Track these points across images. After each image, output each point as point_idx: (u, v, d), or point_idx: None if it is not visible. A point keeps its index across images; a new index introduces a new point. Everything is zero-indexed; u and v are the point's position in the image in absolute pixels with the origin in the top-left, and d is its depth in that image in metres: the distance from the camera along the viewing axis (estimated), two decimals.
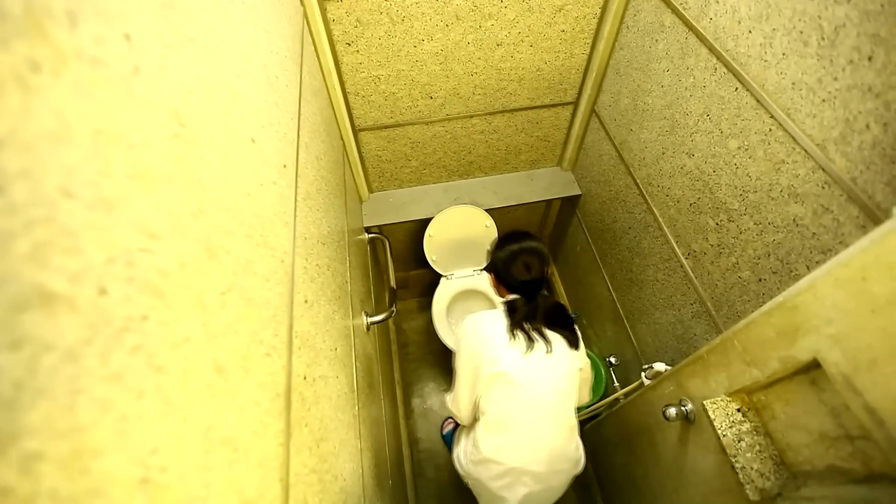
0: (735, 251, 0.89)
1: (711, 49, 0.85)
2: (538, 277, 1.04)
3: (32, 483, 0.18)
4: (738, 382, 0.70)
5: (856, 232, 0.64)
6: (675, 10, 0.94)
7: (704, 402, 0.73)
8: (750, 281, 0.86)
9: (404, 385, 1.90)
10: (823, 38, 0.63)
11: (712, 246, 0.96)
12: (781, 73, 0.71)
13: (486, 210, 1.61)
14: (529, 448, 1.01)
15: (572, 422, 1.05)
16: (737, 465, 0.68)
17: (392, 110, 1.31)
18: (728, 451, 0.69)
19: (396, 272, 1.66)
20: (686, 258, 1.06)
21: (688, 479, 0.90)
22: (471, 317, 1.08)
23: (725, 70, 0.83)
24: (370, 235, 1.55)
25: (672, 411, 0.83)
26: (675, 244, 1.09)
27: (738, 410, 0.72)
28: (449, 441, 1.72)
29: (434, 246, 1.67)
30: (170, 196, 0.29)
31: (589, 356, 1.71)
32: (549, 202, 1.85)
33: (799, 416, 0.64)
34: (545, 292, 1.07)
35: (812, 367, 0.57)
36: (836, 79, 0.62)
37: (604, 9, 1.15)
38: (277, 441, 0.40)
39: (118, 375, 0.22)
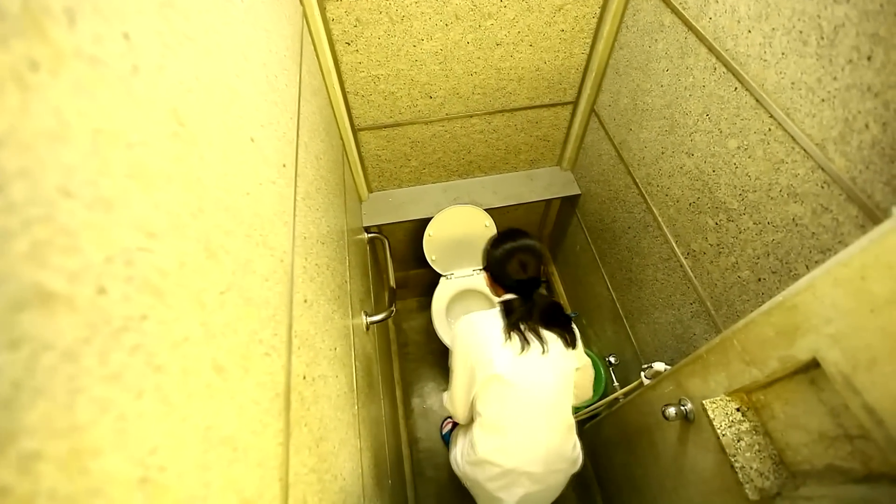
0: (734, 251, 0.89)
1: (711, 48, 0.85)
2: (534, 276, 1.03)
3: (31, 483, 0.18)
4: (738, 382, 0.70)
5: (855, 231, 0.64)
6: (674, 10, 0.94)
7: (704, 402, 0.73)
8: (749, 280, 0.86)
9: (404, 385, 1.90)
10: (823, 38, 0.63)
11: (712, 245, 0.96)
12: (781, 72, 0.71)
13: (485, 210, 1.61)
14: (526, 449, 1.00)
15: (569, 421, 1.05)
16: (736, 464, 0.68)
17: (391, 110, 1.31)
18: (727, 450, 0.69)
19: (396, 272, 1.66)
20: (685, 258, 1.06)
21: (687, 479, 0.90)
22: (465, 317, 1.07)
23: (725, 70, 0.83)
24: (370, 235, 1.55)
25: (671, 411, 0.83)
26: (674, 244, 1.09)
27: (738, 410, 0.72)
28: (448, 441, 1.72)
29: (434, 245, 1.67)
30: (169, 195, 0.29)
31: (589, 355, 1.71)
32: (548, 202, 1.85)
33: (798, 416, 0.64)
34: (543, 291, 1.07)
35: (811, 367, 0.57)
36: (835, 78, 0.62)
37: (603, 8, 1.15)
38: (277, 440, 0.40)
39: (117, 375, 0.22)
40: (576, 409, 1.53)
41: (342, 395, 0.69)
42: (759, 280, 0.84)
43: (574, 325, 1.07)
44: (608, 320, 1.59)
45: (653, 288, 1.23)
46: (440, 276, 1.78)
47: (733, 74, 0.81)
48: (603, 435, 1.48)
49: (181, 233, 0.30)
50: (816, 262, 0.71)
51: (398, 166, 1.54)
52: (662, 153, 1.08)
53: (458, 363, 1.05)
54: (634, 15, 1.09)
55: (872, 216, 0.60)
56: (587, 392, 1.17)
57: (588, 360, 1.14)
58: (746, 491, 0.66)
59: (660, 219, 1.14)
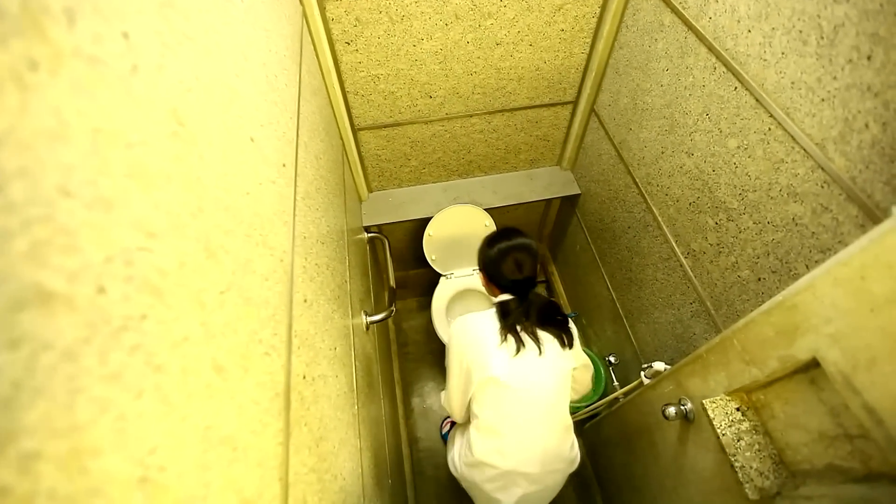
0: (734, 250, 0.89)
1: (711, 48, 0.85)
2: (530, 276, 1.02)
3: (31, 482, 0.18)
4: (738, 381, 0.70)
5: (855, 231, 0.64)
6: (674, 10, 0.94)
7: (704, 402, 0.73)
8: (749, 280, 0.86)
9: (404, 384, 1.90)
10: (823, 38, 0.63)
11: (711, 245, 0.96)
12: (781, 72, 0.71)
13: (485, 209, 1.61)
14: (522, 450, 1.00)
15: (566, 421, 1.04)
16: (736, 464, 0.68)
17: (391, 109, 1.31)
18: (727, 450, 0.69)
19: (396, 271, 1.66)
20: (685, 257, 1.06)
21: (687, 478, 0.90)
22: (460, 318, 1.06)
23: (725, 69, 0.83)
24: (369, 235, 1.55)
25: (671, 410, 0.83)
26: (674, 243, 1.09)
27: (738, 409, 0.72)
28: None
29: (433, 245, 1.67)
30: (168, 195, 0.29)
31: (588, 355, 1.71)
32: (548, 201, 1.85)
33: (798, 416, 0.64)
34: (543, 292, 1.06)
35: (811, 367, 0.57)
36: (835, 78, 0.62)
37: (603, 8, 1.15)
38: (277, 440, 0.40)
39: (117, 375, 0.22)
40: (575, 409, 1.54)
41: (342, 394, 0.69)
42: (759, 280, 0.84)
43: (572, 325, 1.07)
44: (608, 320, 1.59)
45: (653, 287, 1.23)
46: (440, 275, 1.78)
47: (733, 74, 0.81)
48: (603, 434, 1.48)
49: (181, 232, 0.30)
50: (816, 261, 0.71)
51: (398, 166, 1.54)
52: (662, 153, 1.08)
53: (453, 365, 1.04)
54: (634, 14, 1.09)
55: (872, 216, 0.60)
56: (586, 387, 1.17)
57: (587, 359, 1.14)
58: (746, 490, 0.66)
59: (660, 218, 1.14)
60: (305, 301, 0.57)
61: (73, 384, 0.20)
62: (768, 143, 0.76)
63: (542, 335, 1.00)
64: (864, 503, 0.54)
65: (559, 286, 2.07)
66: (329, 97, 1.16)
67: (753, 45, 0.75)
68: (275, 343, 0.43)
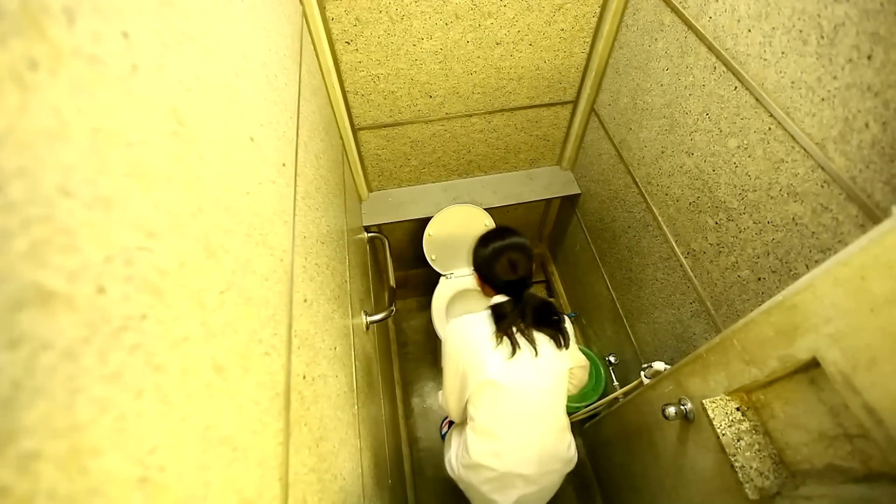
0: (734, 250, 0.89)
1: (711, 48, 0.85)
2: (524, 276, 1.01)
3: (31, 482, 0.18)
4: (738, 381, 0.70)
5: (855, 231, 0.64)
6: (674, 9, 0.94)
7: (704, 402, 0.73)
8: (749, 280, 0.86)
9: (404, 384, 1.90)
10: (823, 37, 0.63)
11: (711, 245, 0.96)
12: (781, 71, 0.71)
13: (485, 209, 1.61)
14: (519, 452, 1.00)
15: (563, 422, 1.04)
16: (736, 463, 0.68)
17: (391, 109, 1.31)
18: (727, 449, 0.69)
19: (396, 271, 1.66)
20: (685, 257, 1.06)
21: (687, 478, 0.90)
22: (455, 321, 1.05)
23: (725, 69, 0.83)
24: (369, 235, 1.55)
25: (671, 410, 0.83)
26: (674, 243, 1.09)
27: (738, 409, 0.72)
28: None
29: (433, 245, 1.67)
30: (168, 195, 0.29)
31: (588, 354, 1.71)
32: (548, 201, 1.85)
33: (798, 415, 0.64)
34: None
35: (811, 366, 0.57)
36: (835, 77, 0.62)
37: (603, 7, 1.15)
38: (276, 440, 0.40)
39: (117, 374, 0.22)
40: (575, 409, 1.54)
41: (342, 394, 0.69)
42: (759, 279, 0.84)
43: (568, 324, 1.06)
44: (608, 320, 1.59)
45: (653, 287, 1.23)
46: (440, 275, 1.78)
47: (733, 74, 0.81)
48: (603, 434, 1.48)
49: (181, 232, 0.30)
50: (816, 261, 0.71)
51: (398, 166, 1.54)
52: (662, 152, 1.08)
53: (448, 367, 1.03)
54: (634, 14, 1.09)
55: (872, 215, 0.60)
56: (583, 383, 1.16)
57: (584, 358, 1.13)
58: (746, 490, 0.66)
59: (660, 218, 1.14)
60: (305, 301, 0.57)
61: (72, 384, 0.20)
62: (768, 142, 0.76)
63: (538, 336, 0.99)
64: (864, 503, 0.54)
65: (559, 286, 2.07)
66: (329, 97, 1.16)
67: (753, 44, 0.75)
68: (275, 343, 0.43)
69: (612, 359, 1.54)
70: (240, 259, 0.39)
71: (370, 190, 1.62)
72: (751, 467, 0.67)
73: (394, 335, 2.04)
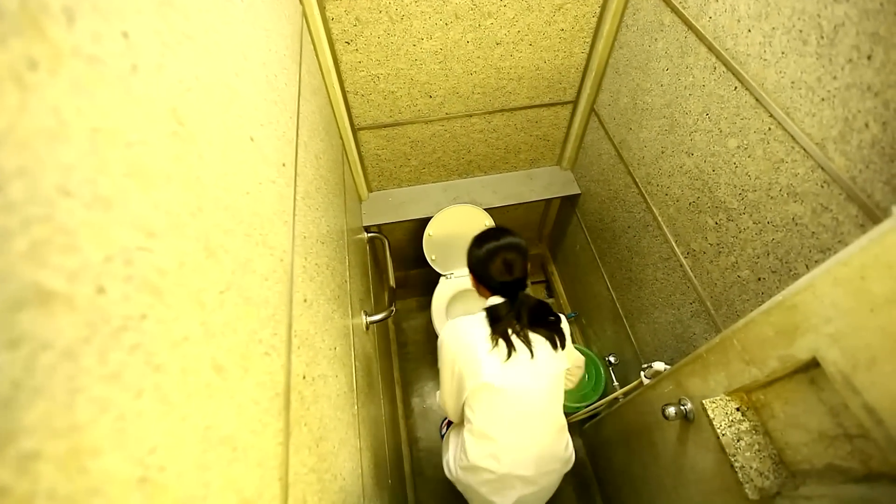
0: (734, 250, 0.89)
1: (711, 48, 0.85)
2: (520, 278, 1.00)
3: (30, 482, 0.18)
4: (738, 381, 0.70)
5: (855, 231, 0.64)
6: (674, 9, 0.94)
7: (703, 402, 0.73)
8: (749, 280, 0.86)
9: (403, 384, 1.90)
10: (823, 37, 0.63)
11: (711, 245, 0.96)
12: (781, 71, 0.71)
13: (485, 209, 1.61)
14: (517, 454, 1.00)
15: (560, 422, 1.04)
16: (736, 464, 0.68)
17: (391, 109, 1.31)
18: (727, 450, 0.69)
19: (396, 271, 1.66)
20: (685, 257, 1.06)
21: (687, 478, 0.90)
22: (450, 323, 1.04)
23: (725, 69, 0.83)
24: (369, 235, 1.55)
25: (671, 410, 0.83)
26: (674, 243, 1.09)
27: (738, 409, 0.72)
28: None
29: (433, 245, 1.67)
30: (168, 194, 0.29)
31: (586, 354, 1.71)
32: (548, 201, 1.85)
33: (798, 415, 0.64)
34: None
35: (811, 366, 0.57)
36: (835, 78, 0.62)
37: (603, 7, 1.15)
38: (276, 440, 0.40)
39: (116, 374, 0.22)
40: (575, 409, 1.54)
41: (342, 394, 0.69)
42: (759, 279, 0.84)
43: (565, 324, 1.06)
44: (608, 320, 1.59)
45: (652, 287, 1.23)
46: (440, 275, 1.78)
47: (733, 74, 0.81)
48: (603, 434, 1.48)
49: (180, 232, 0.30)
50: (816, 261, 0.71)
51: (398, 166, 1.54)
52: (662, 152, 1.08)
53: (445, 370, 1.03)
54: (634, 14, 1.09)
55: (872, 215, 0.60)
56: (579, 379, 1.16)
57: (579, 357, 1.13)
58: (746, 490, 0.66)
59: (659, 218, 1.14)
60: (305, 301, 0.57)
61: (72, 384, 0.20)
62: (768, 142, 0.76)
63: (534, 337, 0.99)
64: (864, 503, 0.54)
65: (559, 286, 2.07)
66: (329, 97, 1.16)
67: (753, 44, 0.75)
68: (275, 343, 0.43)
69: (612, 359, 1.54)
70: (240, 259, 0.38)
71: (370, 190, 1.62)
72: (751, 467, 0.67)
73: (394, 335, 2.04)
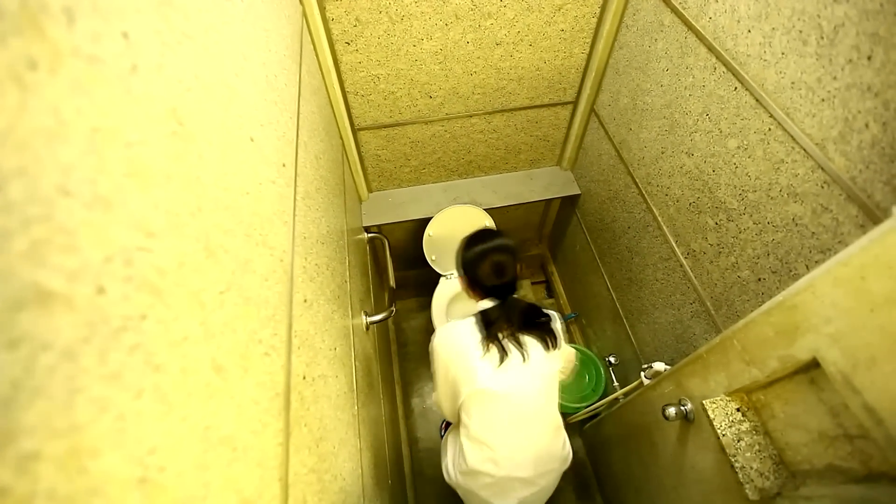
0: (734, 250, 0.89)
1: (710, 48, 0.85)
2: (510, 281, 1.00)
3: (30, 483, 0.18)
4: (738, 382, 0.70)
5: (855, 231, 0.64)
6: (674, 10, 0.94)
7: (704, 402, 0.73)
8: (749, 280, 0.86)
9: (403, 384, 1.90)
10: (823, 38, 0.63)
11: (711, 245, 0.96)
12: (781, 72, 0.71)
13: (485, 209, 1.61)
14: (515, 456, 0.99)
15: (556, 422, 1.04)
16: (736, 464, 0.68)
17: (391, 109, 1.31)
18: (727, 450, 0.69)
19: (396, 272, 1.66)
20: (685, 257, 1.06)
21: (687, 478, 0.90)
22: (441, 329, 1.04)
23: (725, 69, 0.83)
24: (369, 235, 1.55)
25: (671, 411, 0.83)
26: (674, 243, 1.09)
27: (738, 410, 0.72)
28: None
29: (433, 245, 1.67)
30: (168, 194, 0.29)
31: (586, 354, 1.71)
32: (548, 202, 1.85)
33: (798, 416, 0.64)
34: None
35: (811, 367, 0.57)
36: (835, 78, 0.62)
37: (603, 8, 1.15)
38: (276, 440, 0.40)
39: (116, 374, 0.22)
40: (575, 409, 1.54)
41: (342, 395, 0.69)
42: (759, 280, 0.84)
43: (557, 323, 1.05)
44: (608, 320, 1.59)
45: (653, 288, 1.23)
46: (440, 275, 1.78)
47: (733, 74, 0.81)
48: (603, 435, 1.48)
49: (180, 232, 0.30)
50: (816, 261, 0.71)
51: (398, 166, 1.54)
52: (662, 153, 1.08)
53: (439, 375, 1.03)
54: (634, 14, 1.09)
55: (872, 216, 0.60)
56: (570, 370, 1.16)
57: (572, 354, 1.13)
58: (746, 491, 0.66)
59: (660, 218, 1.14)
60: (305, 301, 0.57)
61: (72, 384, 0.20)
62: (768, 143, 0.76)
63: (526, 340, 0.98)
64: (864, 503, 0.54)
65: (559, 286, 2.07)
66: (329, 97, 1.16)
67: (753, 45, 0.75)
68: (275, 343, 0.43)
69: (612, 359, 1.54)
70: (240, 259, 0.38)
71: (370, 190, 1.62)
72: (751, 468, 0.67)
73: (394, 335, 2.04)
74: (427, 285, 1.84)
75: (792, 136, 0.71)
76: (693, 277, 1.04)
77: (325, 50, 1.08)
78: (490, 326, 0.98)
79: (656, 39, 1.02)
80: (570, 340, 1.95)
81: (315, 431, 0.51)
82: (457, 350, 0.99)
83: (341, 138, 1.28)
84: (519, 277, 1.03)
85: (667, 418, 0.83)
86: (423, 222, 1.61)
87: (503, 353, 0.95)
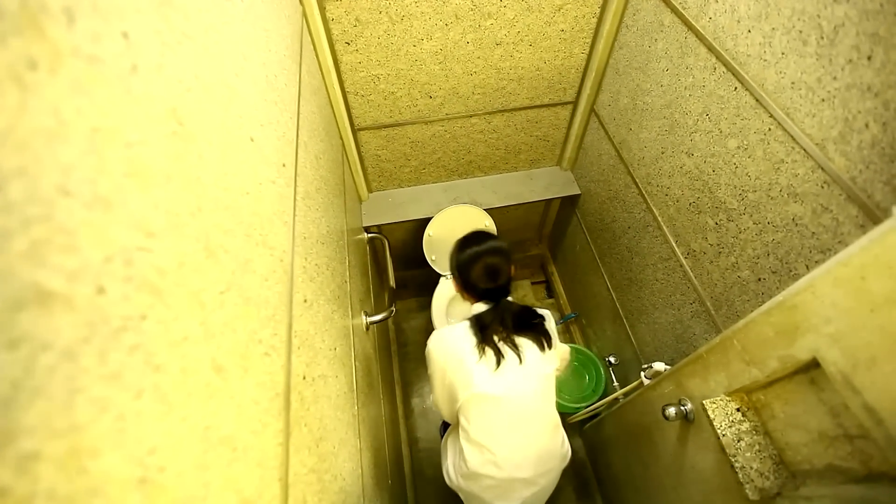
0: (734, 251, 0.89)
1: (711, 48, 0.85)
2: (504, 283, 1.00)
3: (30, 483, 0.18)
4: (738, 382, 0.70)
5: (855, 231, 0.64)
6: (674, 10, 0.94)
7: (704, 402, 0.73)
8: (749, 280, 0.86)
9: (403, 384, 1.90)
10: (823, 38, 0.63)
11: (711, 245, 0.96)
12: (781, 72, 0.71)
13: (485, 209, 1.61)
14: (516, 458, 1.00)
15: (555, 420, 1.04)
16: (736, 464, 0.68)
17: (391, 110, 1.31)
18: (727, 450, 0.69)
19: (396, 272, 1.66)
20: (685, 257, 1.06)
21: (687, 478, 0.90)
22: (435, 334, 1.04)
23: (725, 69, 0.83)
24: (369, 235, 1.55)
25: (671, 411, 0.83)
26: (674, 243, 1.09)
27: (738, 410, 0.72)
28: None
29: (433, 245, 1.67)
30: (168, 194, 0.29)
31: (586, 354, 1.71)
32: (548, 202, 1.85)
33: (798, 416, 0.64)
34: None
35: (811, 367, 0.57)
36: (835, 78, 0.62)
37: (603, 8, 1.15)
38: (276, 440, 0.40)
39: (116, 374, 0.22)
40: (575, 409, 1.54)
41: (342, 395, 0.69)
42: (759, 280, 0.84)
43: (550, 324, 1.05)
44: (608, 320, 1.59)
45: (653, 288, 1.23)
46: (440, 275, 1.78)
47: (733, 74, 0.81)
48: (603, 435, 1.48)
49: (180, 232, 0.30)
50: (816, 261, 0.71)
51: (398, 166, 1.54)
52: (662, 153, 1.08)
53: (435, 380, 1.03)
54: (634, 15, 1.09)
55: (872, 216, 0.60)
56: (564, 367, 1.16)
57: (566, 351, 1.13)
58: (746, 491, 0.66)
59: (660, 219, 1.14)
60: (305, 301, 0.57)
61: (72, 384, 0.20)
62: (768, 143, 0.76)
63: (521, 342, 0.99)
64: (864, 503, 0.54)
65: (559, 286, 2.07)
66: (329, 97, 1.16)
67: (753, 45, 0.75)
68: (275, 343, 0.43)
69: (612, 359, 1.54)
70: (240, 259, 0.38)
71: (370, 190, 1.62)
72: (751, 468, 0.67)
73: (394, 335, 2.04)
74: (427, 285, 1.84)
75: (792, 136, 0.71)
76: (693, 277, 1.04)
77: (325, 50, 1.08)
78: (484, 330, 0.98)
79: (656, 39, 1.02)
80: (571, 340, 1.96)
81: (315, 431, 0.51)
82: (452, 355, 0.99)
83: (341, 138, 1.28)
84: (513, 279, 1.03)
85: (667, 418, 0.83)
86: (423, 222, 1.61)
87: (499, 356, 0.96)
